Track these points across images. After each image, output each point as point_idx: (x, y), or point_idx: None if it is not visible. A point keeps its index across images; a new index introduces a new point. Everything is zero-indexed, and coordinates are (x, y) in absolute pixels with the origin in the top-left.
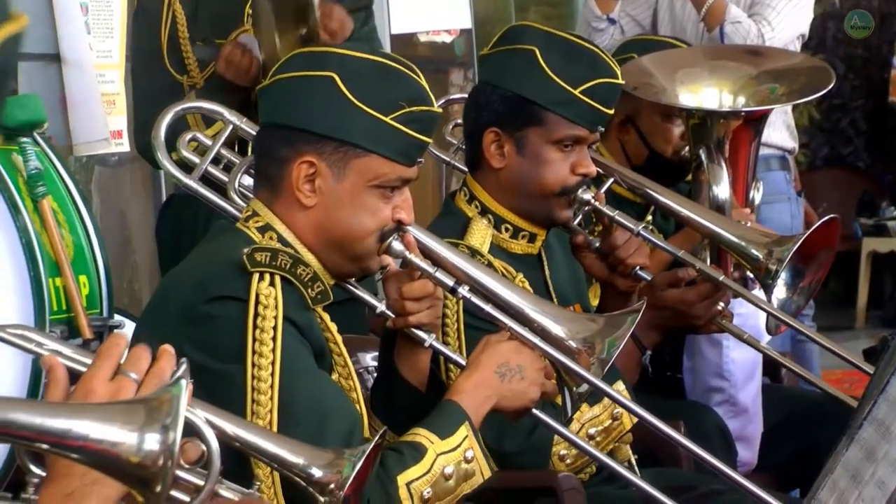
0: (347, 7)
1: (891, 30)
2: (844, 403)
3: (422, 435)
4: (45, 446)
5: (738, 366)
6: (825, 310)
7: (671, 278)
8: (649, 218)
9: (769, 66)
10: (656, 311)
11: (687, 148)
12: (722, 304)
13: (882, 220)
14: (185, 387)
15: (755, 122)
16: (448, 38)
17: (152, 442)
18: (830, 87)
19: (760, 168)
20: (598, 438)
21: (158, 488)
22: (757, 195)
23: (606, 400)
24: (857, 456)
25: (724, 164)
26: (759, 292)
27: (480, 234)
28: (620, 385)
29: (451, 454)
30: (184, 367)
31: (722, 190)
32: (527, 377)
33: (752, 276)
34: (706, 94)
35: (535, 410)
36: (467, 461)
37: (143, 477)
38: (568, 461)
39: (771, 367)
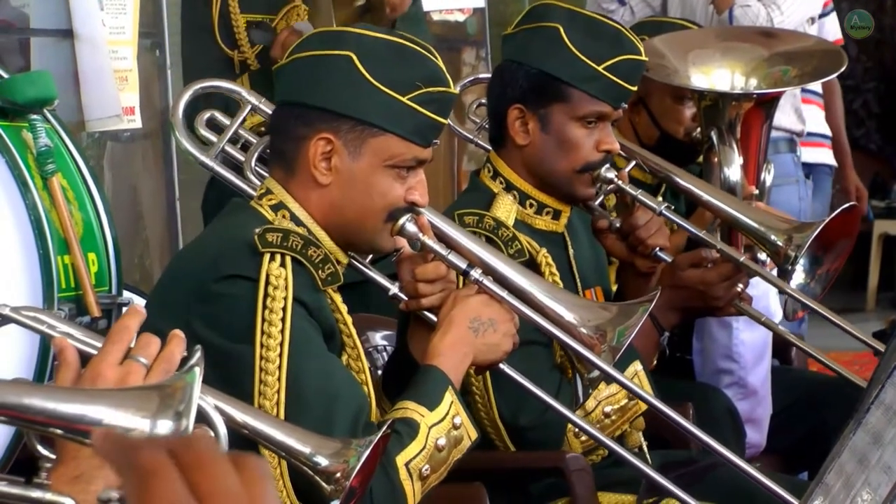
0: None
1: None
2: (854, 385)
3: (411, 409)
4: (58, 431)
5: (747, 348)
6: (836, 292)
7: (693, 258)
8: (660, 198)
9: (781, 48)
10: (676, 292)
11: (698, 129)
12: (741, 285)
13: (894, 203)
14: (199, 374)
15: (767, 104)
16: (461, 17)
17: (165, 428)
18: (843, 69)
19: (769, 150)
20: (613, 417)
21: None
22: (768, 177)
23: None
24: (864, 440)
25: (735, 147)
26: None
27: (506, 208)
28: (638, 365)
29: (441, 425)
30: (198, 354)
31: (733, 172)
32: (499, 329)
33: (763, 257)
34: (718, 75)
35: (548, 398)
36: (455, 427)
37: None
38: (583, 438)
39: (780, 350)
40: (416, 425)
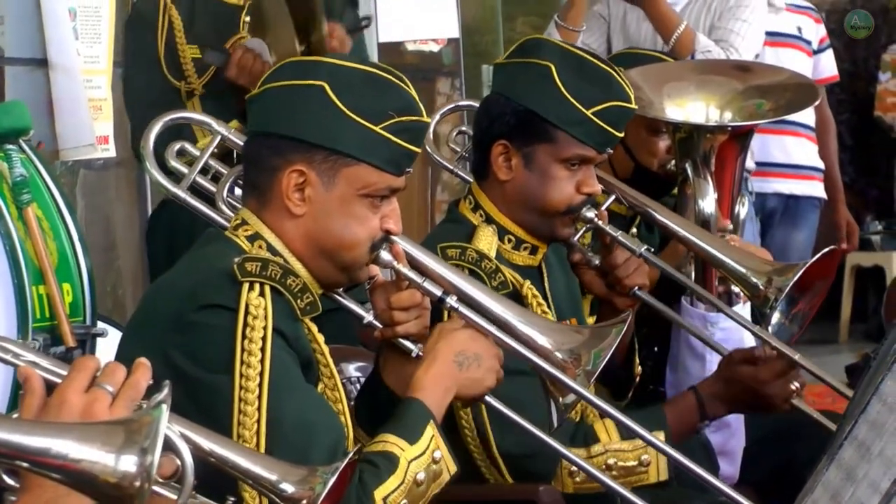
0: (346, 28)
1: (877, 44)
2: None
3: (391, 442)
4: (24, 465)
5: None
6: (809, 324)
7: (747, 355)
8: (634, 231)
9: (756, 81)
10: (729, 385)
11: (673, 162)
12: (797, 384)
13: (866, 235)
14: (166, 410)
15: (741, 137)
16: (436, 47)
17: (130, 464)
18: (816, 102)
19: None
20: (615, 472)
21: None
22: (742, 210)
23: (638, 441)
24: (836, 476)
25: (709, 179)
26: (742, 307)
27: (487, 241)
28: (661, 436)
29: (420, 459)
30: (166, 390)
31: (707, 204)
32: (483, 364)
33: (736, 290)
34: (693, 108)
35: (542, 434)
36: (435, 462)
37: (119, 497)
38: (577, 479)
39: None
40: (395, 459)
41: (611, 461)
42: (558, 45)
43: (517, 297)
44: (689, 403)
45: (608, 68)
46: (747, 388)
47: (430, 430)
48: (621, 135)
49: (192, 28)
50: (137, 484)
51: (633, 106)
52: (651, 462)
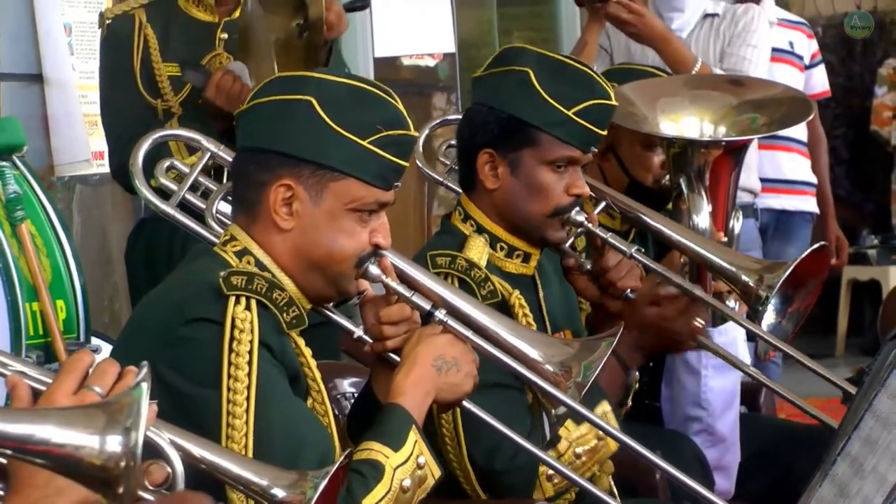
0: (345, 6)
1: (873, 59)
2: (822, 433)
3: (376, 450)
4: (7, 451)
5: (716, 395)
6: (805, 337)
7: (652, 297)
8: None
9: (750, 96)
10: (639, 331)
11: (667, 177)
12: (700, 320)
13: (862, 249)
14: (146, 390)
15: (735, 151)
16: (431, 62)
17: (114, 444)
18: (810, 117)
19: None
20: (584, 458)
21: (121, 489)
22: (737, 224)
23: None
24: (830, 492)
25: (704, 194)
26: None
27: (478, 250)
28: (606, 406)
29: (406, 466)
30: (144, 370)
31: (702, 219)
32: (462, 369)
33: (732, 304)
34: (687, 123)
35: (519, 439)
36: (420, 467)
37: (106, 479)
38: (555, 480)
39: (749, 396)
40: (381, 467)
41: (578, 450)
42: (534, 51)
43: (505, 307)
44: (611, 363)
45: (586, 69)
46: (657, 329)
47: (413, 436)
48: (604, 133)
49: (168, 46)
50: (123, 464)
51: (614, 103)
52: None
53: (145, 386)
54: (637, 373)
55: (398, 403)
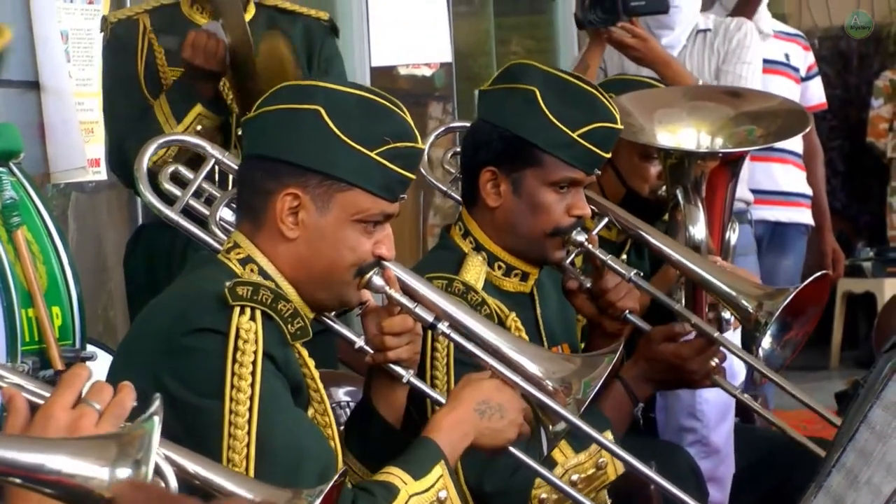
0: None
1: (869, 71)
2: (810, 449)
3: (395, 474)
4: (17, 480)
5: (711, 406)
6: (800, 350)
7: (667, 332)
8: (624, 257)
9: (747, 107)
10: (651, 364)
11: (664, 187)
12: (716, 360)
13: (858, 261)
14: (158, 423)
15: (732, 163)
16: (428, 71)
17: (124, 477)
18: (807, 129)
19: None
20: (580, 486)
21: None
22: (733, 236)
23: (593, 447)
24: None
25: (700, 205)
26: (733, 334)
27: (475, 271)
28: (609, 435)
29: (424, 495)
30: (157, 403)
31: (698, 230)
32: (506, 416)
33: (727, 316)
34: (684, 134)
35: (516, 451)
36: (440, 501)
37: None
38: (554, 499)
39: (743, 408)
40: (395, 490)
41: (574, 477)
42: (541, 69)
43: None
44: (619, 392)
45: (592, 90)
46: (669, 366)
47: (440, 470)
48: (608, 155)
49: (174, 51)
50: None
51: (619, 126)
52: (607, 462)
53: (157, 420)
54: (642, 404)
55: (430, 437)
